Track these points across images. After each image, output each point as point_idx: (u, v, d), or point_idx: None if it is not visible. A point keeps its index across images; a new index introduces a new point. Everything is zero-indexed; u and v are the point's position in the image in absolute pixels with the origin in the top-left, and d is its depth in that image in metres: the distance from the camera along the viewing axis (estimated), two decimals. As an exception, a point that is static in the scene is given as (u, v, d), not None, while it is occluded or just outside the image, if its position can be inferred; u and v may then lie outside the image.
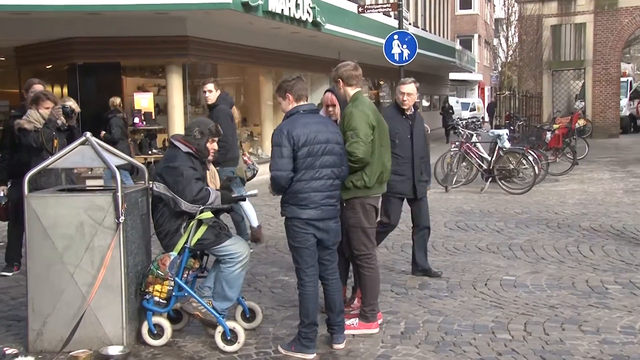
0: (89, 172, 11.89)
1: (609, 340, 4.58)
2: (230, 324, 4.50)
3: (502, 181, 11.94)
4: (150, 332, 4.55)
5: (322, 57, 18.00)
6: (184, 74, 13.65)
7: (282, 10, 13.38)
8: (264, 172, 6.26)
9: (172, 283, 4.50)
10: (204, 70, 16.22)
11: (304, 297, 4.40)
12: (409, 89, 6.00)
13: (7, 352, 4.28)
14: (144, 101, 13.40)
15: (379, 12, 18.03)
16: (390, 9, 16.98)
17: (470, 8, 45.06)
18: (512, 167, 12.10)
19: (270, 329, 4.92)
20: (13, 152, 6.37)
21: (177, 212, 4.53)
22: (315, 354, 4.39)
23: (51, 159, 4.75)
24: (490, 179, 12.11)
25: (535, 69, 26.20)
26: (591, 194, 11.53)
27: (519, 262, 6.84)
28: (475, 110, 36.59)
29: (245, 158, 7.88)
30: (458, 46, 34.23)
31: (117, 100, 11.04)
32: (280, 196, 4.44)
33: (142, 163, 8.40)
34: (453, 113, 27.90)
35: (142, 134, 13.18)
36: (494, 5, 44.79)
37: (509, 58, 30.98)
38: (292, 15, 13.88)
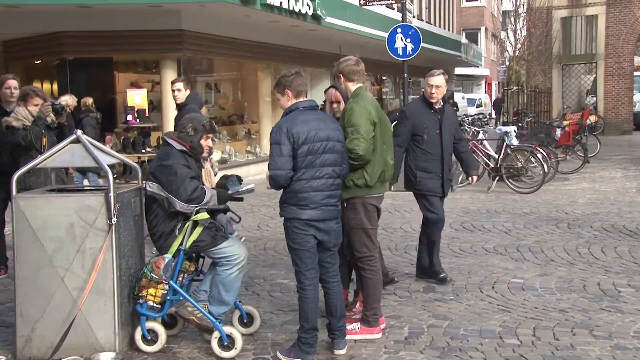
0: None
1: (621, 346, 4.58)
2: (227, 329, 4.50)
3: (510, 180, 11.94)
4: (143, 337, 4.55)
5: (323, 52, 18.00)
6: (178, 70, 13.64)
7: (281, 2, 13.38)
8: (261, 172, 6.26)
9: (167, 287, 4.50)
10: (200, 65, 16.22)
11: (304, 301, 4.40)
12: (438, 81, 5.96)
13: (-6, 359, 4.29)
14: (137, 98, 13.38)
15: (381, 4, 17.99)
16: (393, 2, 16.97)
17: (477, 0, 45.05)
18: (520, 165, 12.10)
19: (269, 334, 4.93)
20: None
21: (171, 212, 4.54)
22: (315, 360, 4.40)
23: (40, 157, 4.75)
24: (497, 178, 12.11)
25: (544, 63, 26.24)
26: (603, 193, 11.52)
27: (528, 264, 6.84)
28: (481, 106, 36.61)
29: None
30: (464, 40, 34.18)
31: (90, 100, 11.07)
32: (280, 195, 4.44)
33: (136, 162, 8.41)
34: (457, 110, 27.91)
35: (135, 132, 13.18)
36: (502, -3, 44.80)
37: (517, 52, 31.01)
38: (291, 8, 13.87)
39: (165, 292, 4.51)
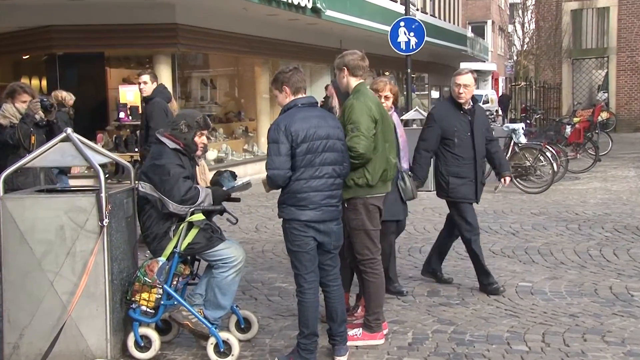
0: (85, 172, 11.90)
1: (635, 352, 4.58)
2: (223, 335, 4.50)
3: (518, 179, 11.94)
4: (136, 344, 4.55)
5: (323, 46, 18.01)
6: (173, 65, 13.66)
7: (279, -6, 13.40)
8: (259, 171, 6.26)
9: (161, 291, 4.50)
10: (195, 60, 16.24)
11: (304, 306, 4.40)
12: (466, 80, 5.88)
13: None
14: (129, 94, 13.36)
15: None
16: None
17: (483, -8, 45.06)
18: (528, 164, 12.11)
19: (267, 340, 4.93)
20: None
21: (165, 214, 4.54)
22: (315, 368, 4.40)
23: (29, 157, 4.75)
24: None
25: (553, 58, 26.21)
26: (615, 192, 11.52)
27: (537, 267, 6.84)
28: (488, 102, 36.55)
29: None
30: (470, 33, 34.23)
31: (63, 93, 11.06)
32: (278, 195, 4.44)
33: (128, 161, 8.43)
34: None
35: (127, 130, 13.18)
36: (509, -11, 44.81)
37: (525, 46, 30.97)
38: (290, 1, 13.88)
39: (159, 296, 4.51)
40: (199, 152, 4.79)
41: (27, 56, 14.53)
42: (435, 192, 6.23)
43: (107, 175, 5.81)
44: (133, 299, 4.50)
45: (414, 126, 12.74)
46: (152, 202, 4.55)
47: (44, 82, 14.28)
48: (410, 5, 15.90)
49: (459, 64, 36.45)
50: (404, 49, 14.69)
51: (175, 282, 4.61)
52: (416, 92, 24.85)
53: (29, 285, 4.42)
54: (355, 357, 4.61)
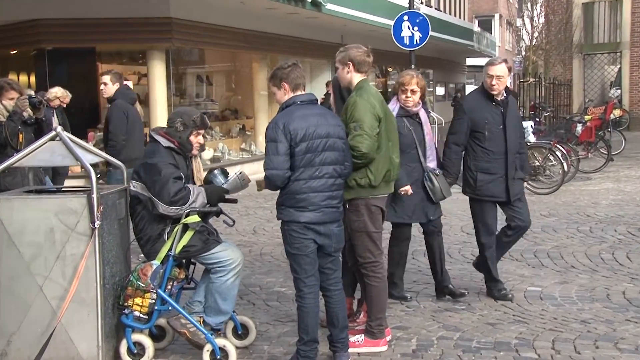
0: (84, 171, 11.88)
1: (647, 359, 4.59)
2: (220, 342, 4.51)
3: (527, 180, 11.94)
4: (129, 351, 4.56)
5: (323, 41, 18.03)
6: (167, 61, 13.67)
7: (278, -13, 13.41)
8: (257, 171, 6.27)
9: (155, 296, 4.51)
10: (190, 56, 16.24)
11: (303, 311, 4.41)
12: (499, 71, 5.75)
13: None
14: (122, 91, 13.37)
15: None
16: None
17: (491, -16, 45.09)
18: (537, 163, 12.10)
19: (265, 347, 4.93)
20: None
21: (158, 215, 4.53)
22: (315, 375, 4.41)
23: (17, 156, 4.75)
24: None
25: (564, 53, 26.22)
26: (628, 193, 11.53)
27: (546, 271, 6.84)
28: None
29: None
30: (476, 28, 34.23)
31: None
32: (276, 196, 4.44)
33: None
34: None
35: (120, 128, 13.17)
36: (518, -19, 44.83)
37: (535, 41, 30.96)
38: (288, -6, 13.89)
39: (153, 301, 4.51)
40: (194, 152, 4.79)
41: (15, 51, 14.53)
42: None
43: (98, 176, 5.82)
44: (126, 304, 4.51)
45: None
46: (143, 202, 4.56)
47: (33, 79, 14.28)
48: (415, -1, 15.90)
49: (464, 60, 36.56)
50: (407, 44, 14.70)
51: (169, 287, 4.62)
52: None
53: (17, 290, 4.42)
54: (357, 364, 4.62)
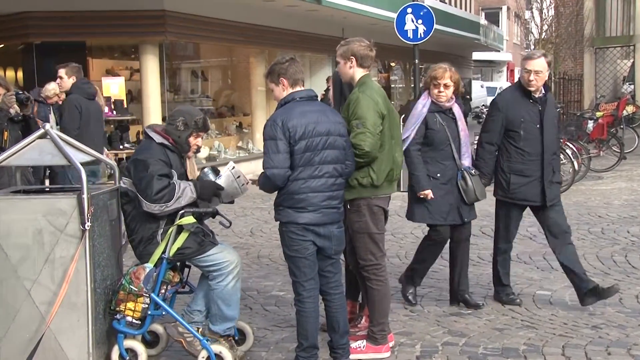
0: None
1: (661, 366, 4.59)
2: (216, 348, 4.51)
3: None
4: (121, 358, 4.56)
5: (323, 35, 18.01)
6: (160, 55, 13.66)
7: (276, -21, 13.41)
8: (255, 170, 6.26)
9: (148, 300, 4.51)
10: (184, 50, 16.23)
11: (303, 316, 4.41)
12: (538, 65, 5.55)
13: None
14: (113, 87, 13.38)
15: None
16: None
17: (498, -25, 45.11)
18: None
19: (263, 354, 4.94)
20: None
21: (150, 215, 4.52)
22: (315, 383, 4.41)
23: (3, 155, 4.75)
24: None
25: (574, 47, 26.20)
26: (641, 193, 11.54)
27: (556, 274, 6.84)
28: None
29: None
30: (483, 21, 34.23)
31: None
32: (274, 196, 4.44)
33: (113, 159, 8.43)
34: (470, 100, 27.95)
35: (112, 126, 13.19)
36: (526, -28, 44.82)
37: (544, 34, 30.94)
38: (287, -14, 13.89)
39: (146, 306, 4.52)
40: (190, 154, 4.80)
41: (2, 45, 14.52)
42: None
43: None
44: (118, 309, 4.51)
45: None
46: (133, 200, 4.55)
47: (20, 74, 14.28)
48: (419, -10, 15.89)
49: (470, 54, 36.53)
50: (411, 37, 14.68)
51: (163, 291, 4.62)
52: (422, 85, 24.88)
53: (3, 294, 4.42)
54: (359, 371, 4.63)
